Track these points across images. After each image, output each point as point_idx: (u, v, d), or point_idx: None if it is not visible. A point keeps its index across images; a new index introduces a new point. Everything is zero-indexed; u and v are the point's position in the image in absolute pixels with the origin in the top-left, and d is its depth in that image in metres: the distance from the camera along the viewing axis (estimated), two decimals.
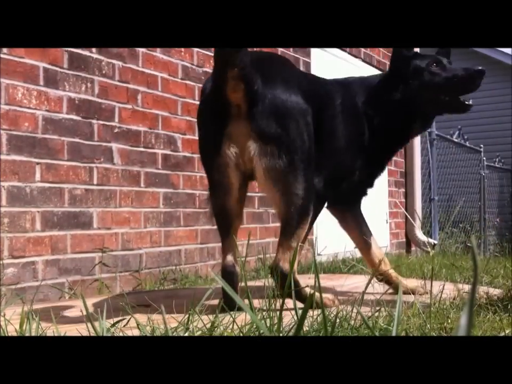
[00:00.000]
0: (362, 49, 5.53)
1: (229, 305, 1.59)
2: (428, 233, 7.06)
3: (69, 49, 2.88)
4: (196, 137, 2.91)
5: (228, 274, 2.02)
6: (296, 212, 1.99)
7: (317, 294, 1.43)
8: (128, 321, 1.47)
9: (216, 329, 1.36)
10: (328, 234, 4.84)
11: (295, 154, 1.95)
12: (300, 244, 2.00)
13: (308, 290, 2.03)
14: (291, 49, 4.56)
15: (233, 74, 1.86)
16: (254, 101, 1.91)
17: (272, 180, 1.96)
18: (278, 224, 4.54)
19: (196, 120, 2.20)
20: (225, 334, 1.31)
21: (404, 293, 2.27)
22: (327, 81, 2.44)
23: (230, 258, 2.05)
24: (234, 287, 2.00)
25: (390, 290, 2.11)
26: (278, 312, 1.15)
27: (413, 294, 2.26)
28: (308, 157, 2.00)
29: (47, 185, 2.75)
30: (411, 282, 2.49)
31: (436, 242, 6.37)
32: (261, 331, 1.25)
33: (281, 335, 1.18)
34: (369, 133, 2.35)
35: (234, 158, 1.96)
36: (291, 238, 2.00)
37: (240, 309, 1.25)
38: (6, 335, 1.27)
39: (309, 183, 2.01)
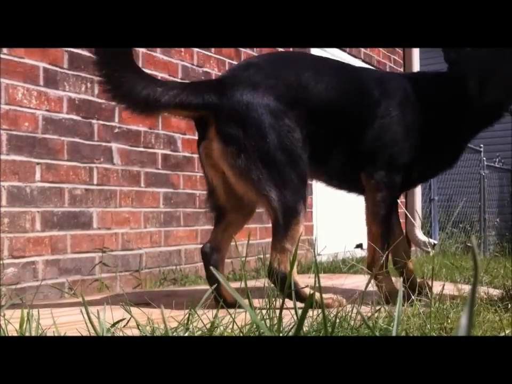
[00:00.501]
0: (362, 49, 5.52)
1: (210, 281, 2.06)
2: (428, 233, 7.06)
3: (69, 49, 2.88)
4: (196, 137, 2.91)
5: (203, 254, 2.21)
6: (280, 213, 2.04)
7: (317, 293, 1.45)
8: (128, 321, 1.47)
9: (216, 329, 1.36)
10: (328, 234, 4.84)
11: (254, 155, 2.00)
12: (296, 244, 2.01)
13: (307, 290, 2.04)
14: (291, 49, 4.56)
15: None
16: (219, 104, 2.02)
17: (239, 180, 2.05)
18: None
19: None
20: (225, 334, 1.31)
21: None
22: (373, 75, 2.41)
23: (209, 241, 2.23)
24: (207, 267, 2.19)
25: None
26: (278, 312, 1.15)
27: (420, 290, 2.24)
28: (273, 158, 2.02)
29: (47, 185, 2.75)
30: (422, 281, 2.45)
31: (436, 242, 6.37)
32: (261, 331, 1.25)
33: (281, 335, 1.18)
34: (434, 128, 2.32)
35: (207, 159, 2.11)
36: (282, 239, 2.05)
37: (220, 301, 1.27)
38: (6, 335, 1.27)
39: (284, 183, 2.02)
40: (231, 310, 1.35)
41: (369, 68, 2.58)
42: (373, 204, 2.26)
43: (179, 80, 3.54)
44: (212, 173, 2.13)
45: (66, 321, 1.75)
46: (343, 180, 2.45)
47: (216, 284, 1.87)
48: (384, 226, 2.26)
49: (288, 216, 2.03)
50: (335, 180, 2.47)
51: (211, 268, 2.04)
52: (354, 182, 2.36)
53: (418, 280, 2.45)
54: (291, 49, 4.55)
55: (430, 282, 2.30)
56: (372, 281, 2.08)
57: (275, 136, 2.02)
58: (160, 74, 3.41)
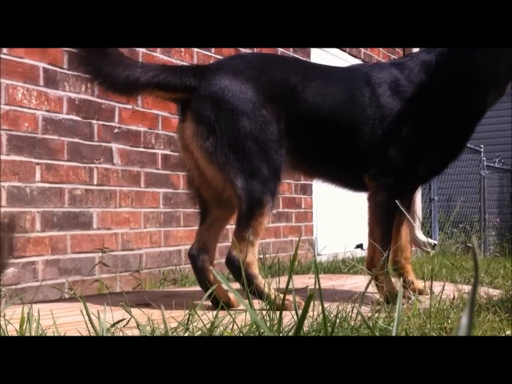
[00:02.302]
0: (362, 49, 5.53)
1: (201, 283, 2.09)
2: (428, 234, 7.06)
3: (69, 49, 2.88)
4: None
5: (190, 257, 2.17)
6: (244, 202, 2.02)
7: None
8: (128, 321, 1.47)
9: (216, 329, 1.36)
10: (328, 234, 4.84)
11: (223, 139, 2.01)
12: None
13: (262, 284, 2.02)
14: (291, 49, 4.56)
15: None
16: (197, 86, 2.05)
17: (207, 163, 2.05)
18: (278, 224, 4.53)
19: None
20: (225, 334, 1.31)
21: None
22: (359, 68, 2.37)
23: (194, 244, 2.18)
24: (196, 269, 2.16)
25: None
26: (278, 312, 1.15)
27: (420, 294, 2.26)
28: (242, 145, 2.03)
29: (47, 185, 2.75)
30: (418, 283, 2.48)
31: (435, 242, 6.36)
32: (261, 331, 1.25)
33: (281, 335, 1.18)
34: (433, 112, 2.24)
35: (181, 141, 2.12)
36: (244, 229, 2.03)
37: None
38: (6, 335, 1.27)
39: (251, 172, 2.02)
40: (231, 310, 1.35)
41: (355, 64, 2.52)
42: (375, 205, 2.25)
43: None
44: (186, 157, 2.13)
45: (66, 322, 1.75)
46: (346, 181, 2.43)
47: (209, 286, 1.88)
48: (386, 227, 2.26)
49: (253, 206, 2.02)
50: (338, 181, 2.45)
51: (212, 269, 2.05)
52: (358, 183, 2.34)
53: (416, 283, 2.45)
54: (291, 49, 4.55)
55: (428, 286, 2.32)
56: (372, 281, 2.08)
57: (248, 124, 2.03)
58: None
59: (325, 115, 2.18)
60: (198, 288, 2.93)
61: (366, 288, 1.58)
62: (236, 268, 1.99)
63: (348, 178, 2.39)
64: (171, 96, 2.13)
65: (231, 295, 2.09)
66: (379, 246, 2.19)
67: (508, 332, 1.43)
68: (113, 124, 3.10)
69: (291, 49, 4.55)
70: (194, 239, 2.22)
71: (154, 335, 1.33)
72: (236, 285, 2.16)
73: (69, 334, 1.32)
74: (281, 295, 1.96)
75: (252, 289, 1.93)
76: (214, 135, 2.01)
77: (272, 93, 2.10)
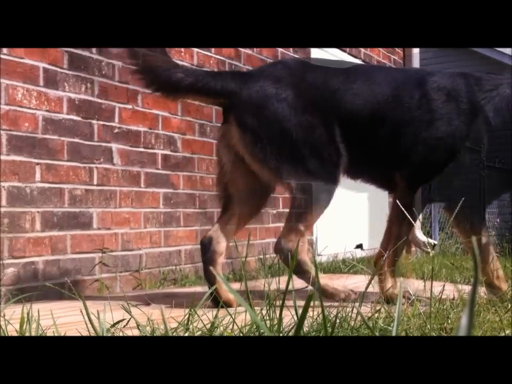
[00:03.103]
0: (362, 49, 5.52)
1: (206, 276, 2.14)
2: (428, 234, 7.06)
3: (69, 49, 2.88)
4: (196, 138, 2.93)
5: (201, 245, 2.23)
6: (299, 200, 2.19)
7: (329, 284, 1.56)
8: (128, 321, 1.47)
9: (216, 329, 1.36)
10: (328, 235, 4.84)
11: (270, 146, 2.10)
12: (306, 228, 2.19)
13: (311, 270, 2.15)
14: (291, 49, 4.56)
15: None
16: (238, 93, 2.14)
17: (260, 168, 2.15)
18: (278, 224, 4.54)
19: (194, 120, 2.32)
20: (225, 334, 1.31)
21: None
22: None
23: (209, 233, 2.25)
24: (204, 259, 2.21)
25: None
26: (278, 312, 1.15)
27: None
28: (290, 148, 2.12)
29: (47, 185, 2.75)
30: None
31: (436, 242, 6.36)
32: (261, 331, 1.25)
33: (281, 335, 1.18)
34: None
35: (223, 139, 2.22)
36: (297, 222, 2.18)
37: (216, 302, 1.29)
38: (6, 335, 1.27)
39: (303, 171, 2.12)
40: (231, 310, 1.35)
41: (410, 68, 2.55)
42: (400, 205, 2.28)
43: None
44: (225, 152, 2.22)
45: (66, 322, 1.75)
46: (384, 181, 2.44)
47: (211, 279, 2.00)
48: (403, 230, 2.28)
49: (312, 206, 2.16)
50: (378, 181, 2.46)
51: (210, 268, 2.08)
52: (386, 181, 2.36)
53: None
54: (291, 49, 4.55)
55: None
56: (373, 281, 2.08)
57: (292, 129, 2.10)
58: None
59: (367, 115, 2.21)
60: (198, 288, 2.93)
61: (366, 288, 1.58)
62: (285, 257, 2.13)
63: (385, 178, 2.39)
64: (210, 101, 2.27)
65: (231, 295, 2.10)
66: (391, 246, 2.22)
67: (508, 332, 1.43)
68: (113, 124, 3.10)
69: (291, 49, 4.55)
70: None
71: (154, 335, 1.33)
72: (236, 285, 2.16)
73: (69, 334, 1.32)
74: (329, 284, 2.23)
75: (303, 275, 2.12)
76: (261, 142, 2.11)
77: (313, 97, 2.16)
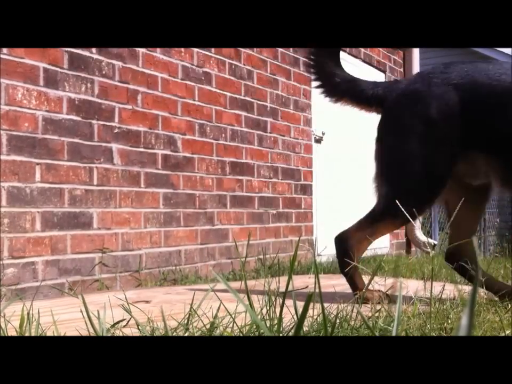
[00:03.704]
0: (362, 49, 5.53)
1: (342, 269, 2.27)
2: (428, 234, 7.06)
3: (69, 49, 2.88)
4: (196, 138, 2.92)
5: (446, 257, 2.37)
6: (380, 206, 2.26)
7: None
8: (128, 321, 1.47)
9: (216, 329, 1.36)
10: (328, 235, 4.84)
11: (387, 154, 2.24)
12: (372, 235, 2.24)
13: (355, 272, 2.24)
14: (291, 49, 4.56)
15: None
16: (383, 103, 2.29)
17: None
18: (278, 225, 4.53)
19: (194, 120, 2.30)
20: (225, 334, 1.31)
21: None
22: None
23: (450, 249, 2.34)
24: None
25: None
26: (278, 312, 1.15)
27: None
28: (397, 160, 2.23)
29: (47, 185, 2.75)
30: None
31: (436, 242, 6.36)
32: (261, 331, 1.25)
33: (281, 335, 1.18)
34: None
35: None
36: (366, 227, 2.24)
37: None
38: (6, 335, 1.27)
39: (397, 183, 2.20)
40: (231, 310, 1.35)
41: None
42: None
43: (179, 81, 3.54)
44: None
45: (66, 319, 1.76)
46: None
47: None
48: None
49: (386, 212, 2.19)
50: None
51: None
52: None
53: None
54: (291, 49, 4.54)
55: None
56: (372, 281, 2.08)
57: (413, 143, 2.13)
58: (160, 75, 3.41)
59: None
60: (198, 288, 2.93)
61: (366, 287, 1.59)
62: (340, 249, 2.26)
63: None
64: (363, 107, 2.35)
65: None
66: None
67: (508, 332, 1.43)
68: (113, 124, 3.10)
69: (291, 49, 4.56)
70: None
71: (154, 335, 1.33)
72: (236, 285, 2.16)
73: (69, 331, 1.32)
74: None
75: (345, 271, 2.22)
76: (382, 151, 2.23)
77: (470, 106, 2.10)
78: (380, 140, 2.24)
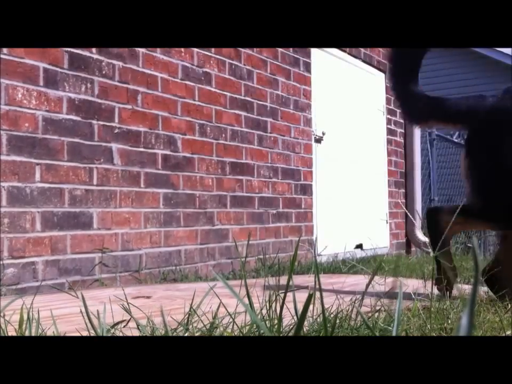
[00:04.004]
0: (362, 49, 5.53)
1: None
2: None
3: (69, 49, 2.88)
4: (196, 138, 2.92)
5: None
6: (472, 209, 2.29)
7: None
8: (128, 321, 1.47)
9: (215, 329, 1.36)
10: (328, 235, 4.84)
11: (472, 169, 2.25)
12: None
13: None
14: (291, 49, 4.56)
15: None
16: (467, 122, 2.28)
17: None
18: (278, 225, 4.53)
19: (194, 120, 2.25)
20: (225, 334, 1.31)
21: None
22: None
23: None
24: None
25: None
26: (278, 312, 1.15)
27: None
28: (476, 173, 2.25)
29: (47, 185, 2.75)
30: None
31: None
32: (261, 331, 1.25)
33: (281, 335, 1.18)
34: None
35: None
36: (443, 217, 2.23)
37: None
38: (6, 335, 1.27)
39: (474, 196, 2.24)
40: (232, 306, 1.35)
41: None
42: None
43: (179, 81, 3.54)
44: None
45: (65, 313, 1.76)
46: None
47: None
48: None
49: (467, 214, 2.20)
50: None
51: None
52: None
53: None
54: (291, 49, 4.54)
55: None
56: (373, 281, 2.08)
57: (493, 157, 2.17)
58: (160, 75, 3.41)
59: None
60: (198, 287, 2.92)
61: (366, 288, 1.58)
62: (431, 222, 2.27)
63: None
64: (450, 128, 2.43)
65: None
66: None
67: (508, 332, 1.43)
68: (113, 124, 3.10)
69: (291, 49, 4.56)
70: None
71: (154, 335, 1.33)
72: (235, 283, 2.16)
73: (68, 326, 1.33)
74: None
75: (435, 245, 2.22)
76: (467, 168, 2.24)
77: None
78: (471, 157, 2.23)
